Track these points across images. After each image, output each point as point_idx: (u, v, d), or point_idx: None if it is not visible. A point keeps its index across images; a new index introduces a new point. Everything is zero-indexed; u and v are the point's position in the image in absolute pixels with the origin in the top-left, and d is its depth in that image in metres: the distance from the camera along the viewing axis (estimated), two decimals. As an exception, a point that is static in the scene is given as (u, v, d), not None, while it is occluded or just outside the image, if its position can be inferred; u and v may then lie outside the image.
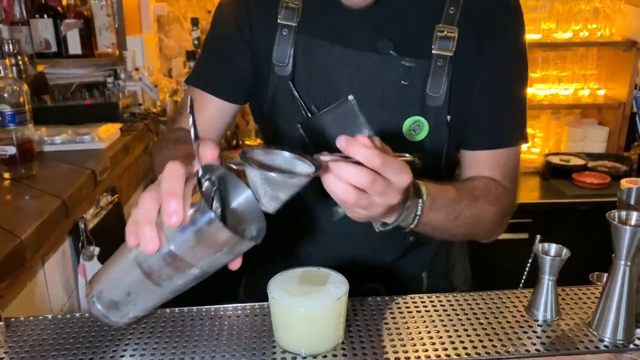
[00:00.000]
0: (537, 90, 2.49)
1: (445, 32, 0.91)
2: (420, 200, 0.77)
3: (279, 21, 0.95)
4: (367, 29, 0.93)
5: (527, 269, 0.89)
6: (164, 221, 0.58)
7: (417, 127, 0.94)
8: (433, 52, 0.91)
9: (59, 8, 2.14)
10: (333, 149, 0.70)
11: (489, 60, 0.94)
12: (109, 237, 1.48)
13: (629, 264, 0.69)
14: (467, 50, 0.92)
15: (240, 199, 0.65)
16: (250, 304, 0.83)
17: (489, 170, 0.97)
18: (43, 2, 2.10)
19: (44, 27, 2.08)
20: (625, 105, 2.42)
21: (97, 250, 1.37)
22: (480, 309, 0.81)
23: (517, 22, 0.96)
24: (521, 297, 0.83)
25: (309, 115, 0.95)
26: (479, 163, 0.98)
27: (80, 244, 1.34)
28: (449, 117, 0.93)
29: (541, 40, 2.36)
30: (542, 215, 2.16)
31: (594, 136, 2.50)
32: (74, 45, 2.10)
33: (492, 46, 0.93)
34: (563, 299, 0.81)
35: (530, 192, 2.32)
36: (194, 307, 0.82)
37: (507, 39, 0.95)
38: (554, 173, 2.39)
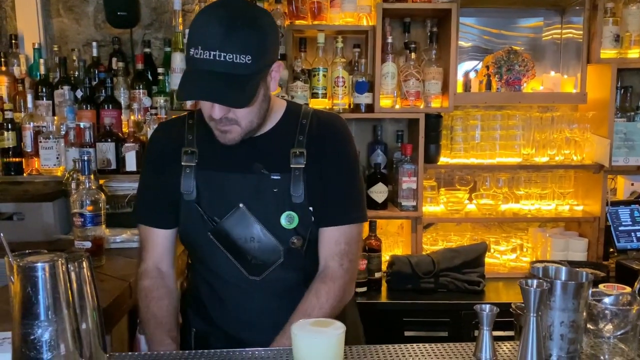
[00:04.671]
0: (522, 206, 2.86)
1: (297, 152, 1.36)
2: None
3: (182, 163, 1.37)
4: (245, 158, 1.36)
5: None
6: None
7: (290, 218, 1.35)
8: (291, 166, 1.35)
9: (120, 134, 2.62)
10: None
11: (328, 167, 1.38)
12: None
13: (534, 315, 1.02)
14: (314, 162, 1.36)
15: None
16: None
17: (331, 247, 1.38)
18: (108, 129, 2.58)
19: (107, 149, 2.54)
20: (600, 220, 2.77)
21: (149, 326, 1.69)
22: (442, 354, 1.12)
23: (344, 139, 1.43)
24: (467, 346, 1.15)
25: (214, 224, 1.35)
26: (327, 239, 1.39)
27: (138, 320, 1.67)
28: (311, 208, 1.36)
29: (522, 163, 2.77)
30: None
31: (575, 246, 2.82)
32: (131, 164, 2.54)
33: (328, 157, 1.39)
34: (499, 345, 1.13)
35: (518, 295, 2.60)
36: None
37: (336, 151, 1.41)
38: (540, 278, 2.69)
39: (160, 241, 1.44)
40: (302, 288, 1.40)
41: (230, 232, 1.34)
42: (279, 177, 1.35)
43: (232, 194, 1.35)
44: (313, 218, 1.37)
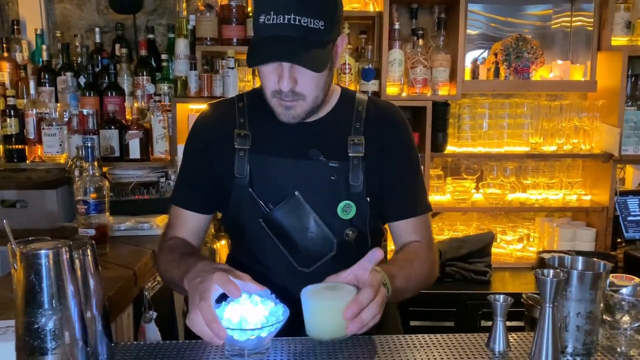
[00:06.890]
0: (529, 195, 2.83)
1: (356, 140, 1.30)
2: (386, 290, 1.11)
3: (236, 146, 1.31)
4: (301, 144, 1.29)
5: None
6: None
7: (347, 208, 1.29)
8: (349, 154, 1.29)
9: (123, 121, 2.59)
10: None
11: (390, 158, 1.33)
12: (163, 306, 1.79)
13: (550, 305, 0.99)
14: (373, 151, 1.31)
15: None
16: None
17: (410, 235, 1.36)
18: (112, 116, 2.55)
19: (111, 137, 2.51)
20: (608, 209, 2.74)
21: (154, 314, 1.68)
22: (453, 345, 1.10)
23: (405, 128, 1.39)
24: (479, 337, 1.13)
25: (267, 211, 1.28)
26: (402, 231, 1.37)
27: (143, 309, 1.65)
28: (368, 199, 1.30)
29: (529, 152, 2.73)
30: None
31: (582, 236, 2.79)
32: (134, 151, 2.52)
33: (389, 148, 1.34)
34: (513, 337, 1.10)
35: (525, 285, 2.58)
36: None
37: (398, 142, 1.36)
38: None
39: (190, 223, 1.36)
40: None
41: (283, 221, 1.27)
42: (337, 165, 1.28)
43: (286, 181, 1.28)
44: (370, 209, 1.31)
